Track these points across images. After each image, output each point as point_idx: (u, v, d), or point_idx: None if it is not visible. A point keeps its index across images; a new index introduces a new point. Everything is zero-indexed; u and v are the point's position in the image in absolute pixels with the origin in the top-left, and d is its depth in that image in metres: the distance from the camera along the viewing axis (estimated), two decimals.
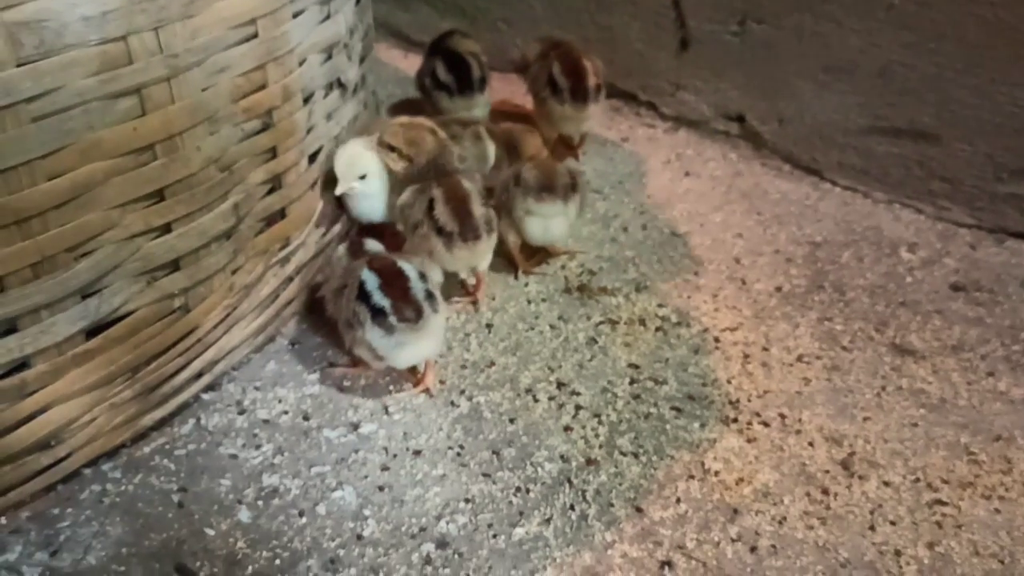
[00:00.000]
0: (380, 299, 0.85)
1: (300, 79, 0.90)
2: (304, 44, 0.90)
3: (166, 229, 0.79)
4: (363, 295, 0.86)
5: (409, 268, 0.88)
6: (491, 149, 1.14)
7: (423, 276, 0.89)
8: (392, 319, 0.85)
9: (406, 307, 0.85)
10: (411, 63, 1.60)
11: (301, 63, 0.91)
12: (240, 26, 0.81)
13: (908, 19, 1.11)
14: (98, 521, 0.77)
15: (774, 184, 1.29)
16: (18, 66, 0.64)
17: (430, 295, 0.88)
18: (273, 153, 0.90)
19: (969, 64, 1.09)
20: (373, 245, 0.96)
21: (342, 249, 0.96)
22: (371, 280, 0.86)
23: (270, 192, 0.91)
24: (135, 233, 0.77)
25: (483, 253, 1.00)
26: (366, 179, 1.02)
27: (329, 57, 0.97)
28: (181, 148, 0.77)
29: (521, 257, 1.10)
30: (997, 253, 1.14)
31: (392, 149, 1.02)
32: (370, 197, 1.04)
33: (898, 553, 0.75)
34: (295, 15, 0.88)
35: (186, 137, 0.78)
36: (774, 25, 1.23)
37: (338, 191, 1.01)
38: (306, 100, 0.93)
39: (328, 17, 0.96)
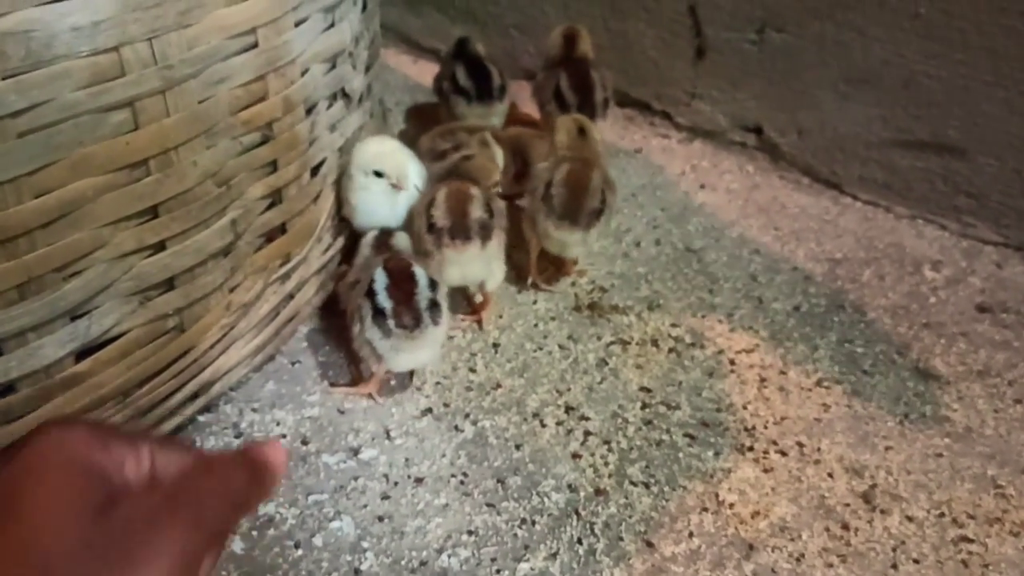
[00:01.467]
0: (384, 300, 0.84)
1: (302, 90, 0.87)
2: (307, 54, 0.87)
3: (160, 247, 0.76)
4: (370, 292, 0.85)
5: (421, 273, 0.87)
6: (499, 154, 1.10)
7: (434, 284, 0.87)
8: (390, 322, 0.83)
9: (406, 313, 0.84)
10: (421, 69, 1.57)
11: (303, 73, 0.87)
12: (239, 35, 0.77)
13: (934, 29, 1.07)
14: None
15: (792, 198, 1.25)
16: (4, 79, 0.61)
17: (434, 304, 0.86)
18: (274, 167, 0.86)
19: (997, 76, 1.05)
20: (402, 241, 0.94)
21: (368, 242, 0.94)
22: (380, 279, 0.85)
23: (270, 207, 0.88)
24: (127, 251, 0.73)
25: (472, 260, 0.95)
26: (381, 179, 0.99)
27: (333, 67, 0.94)
28: (176, 163, 0.74)
29: (535, 264, 1.07)
30: None
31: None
32: (377, 197, 0.99)
33: None
34: (297, 23, 0.85)
35: (182, 151, 0.74)
36: (794, 34, 1.19)
37: (404, 187, 0.99)
38: (308, 111, 0.90)
39: (332, 25, 0.92)
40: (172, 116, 0.73)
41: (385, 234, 0.95)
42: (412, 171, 1.00)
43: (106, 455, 0.42)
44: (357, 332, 0.87)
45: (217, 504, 0.42)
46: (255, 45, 0.79)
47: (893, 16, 1.10)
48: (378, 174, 0.98)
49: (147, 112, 0.71)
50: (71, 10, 0.64)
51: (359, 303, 0.86)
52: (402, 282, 0.86)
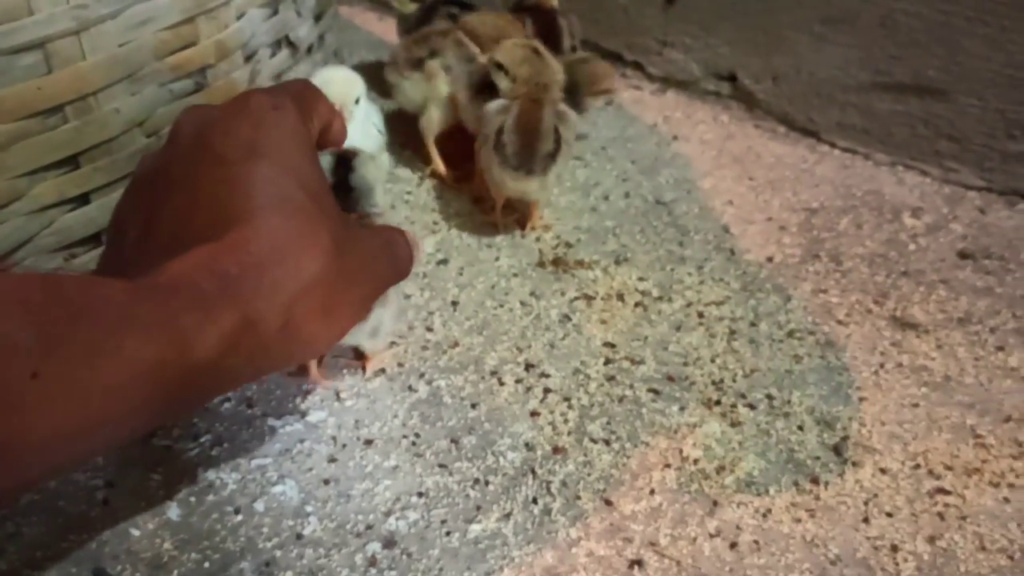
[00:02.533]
0: None
1: (238, 35, 0.83)
2: None
3: (84, 200, 0.72)
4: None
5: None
6: (475, 51, 1.06)
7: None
8: None
9: None
10: (386, 26, 1.52)
11: (239, 17, 0.83)
12: None
13: None
14: (13, 521, 0.70)
15: (768, 147, 1.20)
16: None
17: None
18: None
19: (978, 11, 1.00)
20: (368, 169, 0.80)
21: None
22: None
23: None
24: (47, 204, 0.69)
25: (532, 188, 0.99)
26: (358, 104, 0.92)
27: (275, 12, 0.89)
28: (96, 109, 0.70)
29: (501, 214, 1.04)
30: (1009, 217, 1.05)
31: (500, 67, 0.98)
32: (355, 124, 0.92)
33: (895, 548, 0.68)
34: None
35: (101, 97, 0.70)
36: None
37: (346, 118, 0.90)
38: (247, 59, 0.85)
39: None
40: (89, 59, 0.68)
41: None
42: (358, 100, 0.92)
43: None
44: None
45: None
46: None
47: None
48: (356, 100, 0.91)
49: (60, 55, 0.66)
50: None
51: None
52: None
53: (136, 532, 0.70)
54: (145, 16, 0.72)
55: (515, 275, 0.97)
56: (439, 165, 1.13)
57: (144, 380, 0.40)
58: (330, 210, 0.50)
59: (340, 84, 0.90)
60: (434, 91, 1.09)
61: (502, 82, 0.99)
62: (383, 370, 0.85)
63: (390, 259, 0.57)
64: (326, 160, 0.72)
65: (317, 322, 0.48)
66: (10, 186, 0.66)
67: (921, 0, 1.04)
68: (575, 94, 1.05)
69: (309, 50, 0.99)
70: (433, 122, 1.11)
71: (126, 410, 0.40)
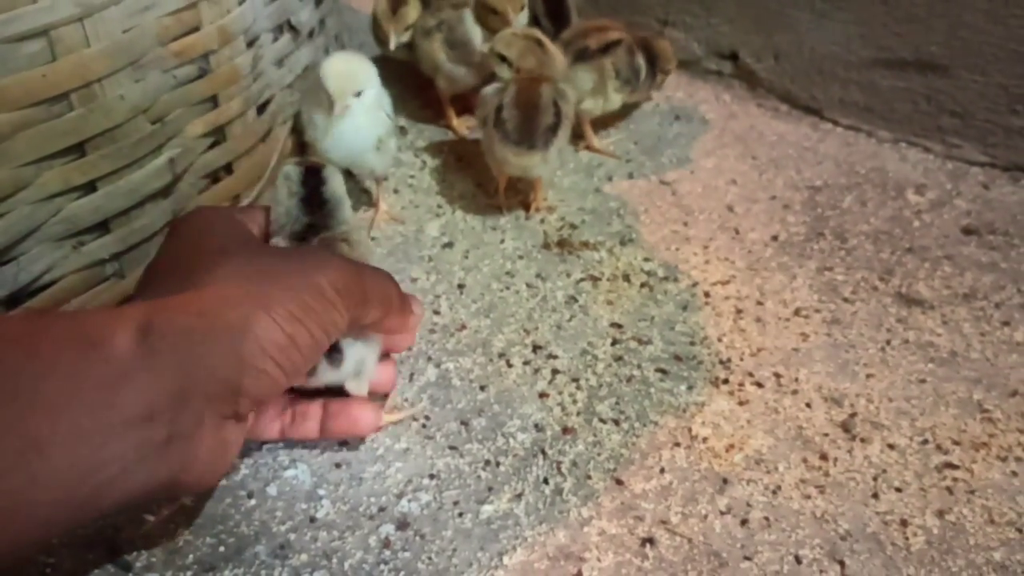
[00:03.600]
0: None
1: (241, 20, 0.82)
2: None
3: (90, 188, 0.72)
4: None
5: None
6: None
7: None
8: None
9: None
10: None
11: (241, 3, 0.82)
12: None
13: None
14: None
15: (771, 126, 1.20)
16: None
17: None
18: (214, 102, 0.81)
19: None
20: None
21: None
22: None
23: (213, 146, 0.83)
24: (54, 192, 0.69)
25: (534, 164, 0.99)
26: (361, 96, 0.91)
27: None
28: (101, 96, 0.69)
29: (505, 193, 1.05)
30: (1013, 192, 1.05)
31: (504, 59, 1.00)
32: (360, 118, 0.92)
33: (904, 523, 0.68)
34: None
35: (106, 84, 0.70)
36: None
37: (336, 110, 0.89)
38: (250, 44, 0.85)
39: None
40: (93, 46, 0.68)
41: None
42: (360, 91, 0.91)
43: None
44: None
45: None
46: None
47: None
48: (358, 93, 0.91)
49: (64, 42, 0.66)
50: None
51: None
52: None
53: (151, 517, 0.70)
54: (148, 2, 0.72)
55: (520, 257, 0.98)
56: (452, 119, 1.22)
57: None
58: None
59: (336, 79, 0.89)
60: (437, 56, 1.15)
61: (504, 72, 0.99)
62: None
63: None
64: (294, 171, 0.70)
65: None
66: (16, 175, 0.66)
67: None
68: (652, 68, 1.13)
69: (311, 34, 0.99)
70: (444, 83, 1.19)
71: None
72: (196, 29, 0.77)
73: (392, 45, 1.15)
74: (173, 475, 0.52)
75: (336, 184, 0.71)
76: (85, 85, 0.68)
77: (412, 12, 1.15)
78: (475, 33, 1.11)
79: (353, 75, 0.90)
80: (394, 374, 0.77)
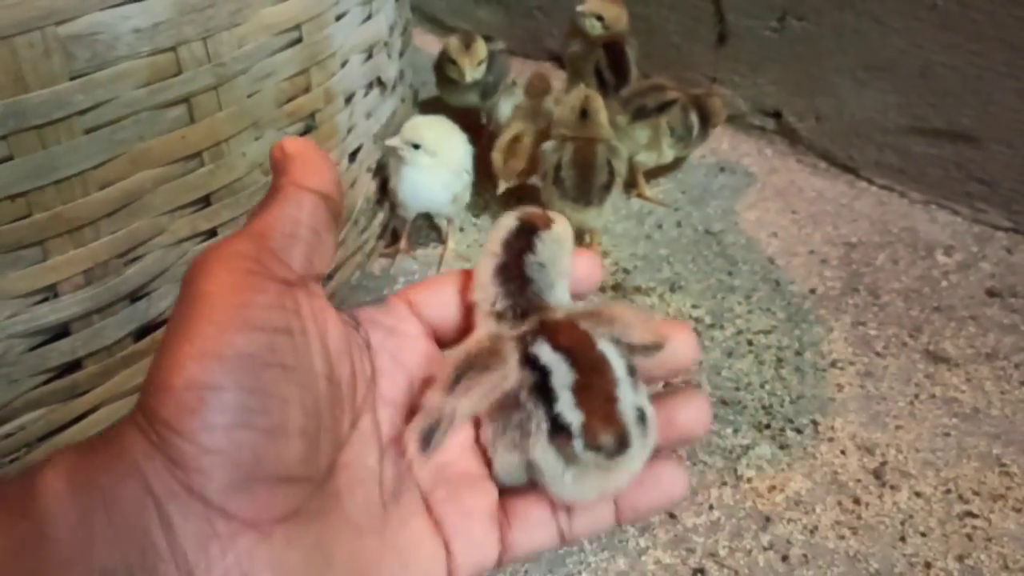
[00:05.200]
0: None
1: (342, 81, 0.91)
2: (346, 46, 0.91)
3: (212, 233, 0.81)
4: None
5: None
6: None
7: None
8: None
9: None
10: None
11: (343, 65, 0.91)
12: (285, 32, 0.81)
13: (950, 20, 1.10)
14: None
15: (809, 182, 1.29)
16: (71, 79, 0.65)
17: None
18: None
19: (1011, 67, 1.08)
20: None
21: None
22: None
23: None
24: (182, 238, 0.78)
25: (591, 218, 1.09)
26: (418, 151, 1.01)
27: (370, 56, 0.98)
28: (227, 154, 0.79)
29: None
30: None
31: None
32: (420, 172, 1.03)
33: (928, 565, 0.76)
34: (337, 18, 0.89)
35: (232, 143, 0.79)
36: (814, 22, 1.22)
37: (388, 141, 1.02)
38: (347, 101, 0.94)
39: (369, 17, 0.96)
40: (224, 110, 0.77)
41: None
42: (418, 144, 1.02)
43: None
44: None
45: None
46: (299, 40, 0.83)
47: (910, 6, 1.12)
48: (416, 146, 1.01)
49: (201, 107, 0.75)
50: (132, 13, 0.68)
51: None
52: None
53: None
54: (270, 69, 0.81)
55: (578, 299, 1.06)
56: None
57: None
58: None
59: (405, 128, 1.03)
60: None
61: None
62: None
63: None
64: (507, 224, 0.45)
65: None
66: (153, 223, 0.75)
67: (958, 54, 1.12)
68: (704, 125, 1.22)
69: (394, 87, 1.07)
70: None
71: None
72: (306, 91, 0.86)
73: (468, 79, 1.23)
74: None
75: (551, 253, 0.44)
76: (215, 144, 0.77)
77: (482, 48, 1.24)
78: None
79: (414, 128, 1.01)
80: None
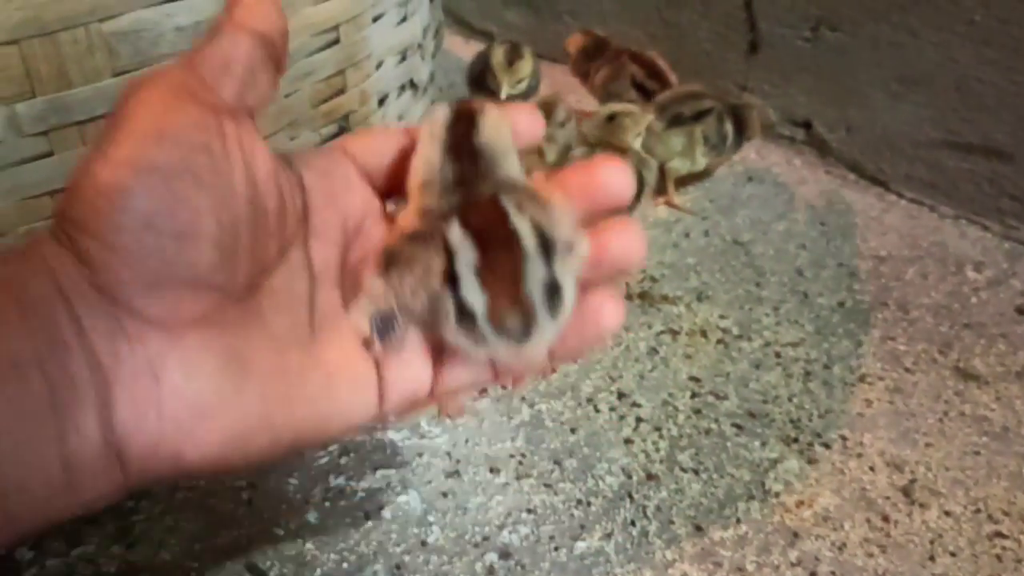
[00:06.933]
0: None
1: (377, 82, 0.91)
2: (382, 48, 0.91)
3: None
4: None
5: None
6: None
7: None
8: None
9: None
10: (473, 50, 1.59)
11: (378, 67, 0.91)
12: (323, 32, 0.81)
13: (989, 35, 1.09)
14: (172, 516, 0.79)
15: (839, 194, 1.28)
16: (114, 76, 0.65)
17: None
18: None
19: None
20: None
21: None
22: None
23: None
24: None
25: None
26: None
27: (404, 58, 0.97)
28: None
29: None
30: None
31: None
32: None
33: None
34: (375, 19, 0.88)
35: (270, 142, 0.78)
36: (848, 33, 1.22)
37: None
38: (380, 102, 0.94)
39: (405, 19, 0.96)
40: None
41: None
42: None
43: None
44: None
45: None
46: (337, 41, 0.83)
47: (948, 21, 1.12)
48: None
49: None
50: (176, 11, 0.68)
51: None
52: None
53: (280, 531, 0.79)
54: (308, 69, 0.80)
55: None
56: None
57: None
58: None
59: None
60: None
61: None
62: (485, 389, 0.93)
63: None
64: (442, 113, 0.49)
65: None
66: None
67: (995, 70, 1.11)
68: (739, 135, 1.22)
69: (425, 89, 1.07)
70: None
71: None
72: (341, 92, 0.86)
73: (503, 95, 1.24)
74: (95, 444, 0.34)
75: (493, 132, 0.47)
76: None
77: (526, 67, 1.24)
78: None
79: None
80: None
